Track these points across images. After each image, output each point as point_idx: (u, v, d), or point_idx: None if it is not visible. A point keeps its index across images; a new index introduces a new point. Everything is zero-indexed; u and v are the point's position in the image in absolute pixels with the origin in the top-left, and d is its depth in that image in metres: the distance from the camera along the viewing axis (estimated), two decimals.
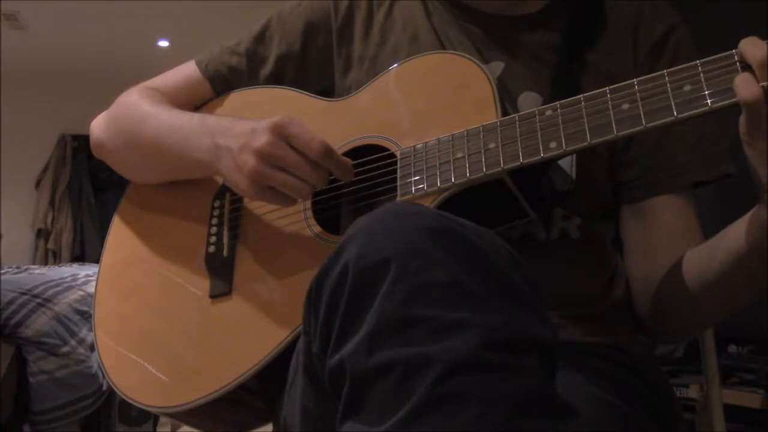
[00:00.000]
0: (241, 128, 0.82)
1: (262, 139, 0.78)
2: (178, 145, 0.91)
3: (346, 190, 0.86)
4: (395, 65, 0.89)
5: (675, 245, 0.84)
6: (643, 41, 0.89)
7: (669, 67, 0.68)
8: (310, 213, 0.87)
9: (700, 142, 0.87)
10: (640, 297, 0.88)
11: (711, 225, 0.86)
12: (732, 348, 2.08)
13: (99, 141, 1.04)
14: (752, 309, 0.78)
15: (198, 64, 1.03)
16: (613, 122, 0.69)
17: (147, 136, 0.95)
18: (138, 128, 0.96)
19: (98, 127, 1.05)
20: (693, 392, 1.83)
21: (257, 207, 0.91)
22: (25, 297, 2.47)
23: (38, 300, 2.48)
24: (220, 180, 0.95)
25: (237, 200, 0.93)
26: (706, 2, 2.11)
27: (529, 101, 0.86)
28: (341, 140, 0.88)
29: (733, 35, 0.66)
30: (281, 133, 0.78)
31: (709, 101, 0.64)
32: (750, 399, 1.83)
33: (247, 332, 0.84)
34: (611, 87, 0.70)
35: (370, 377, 0.50)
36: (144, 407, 0.88)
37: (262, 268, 0.87)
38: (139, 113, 0.97)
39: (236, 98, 1.01)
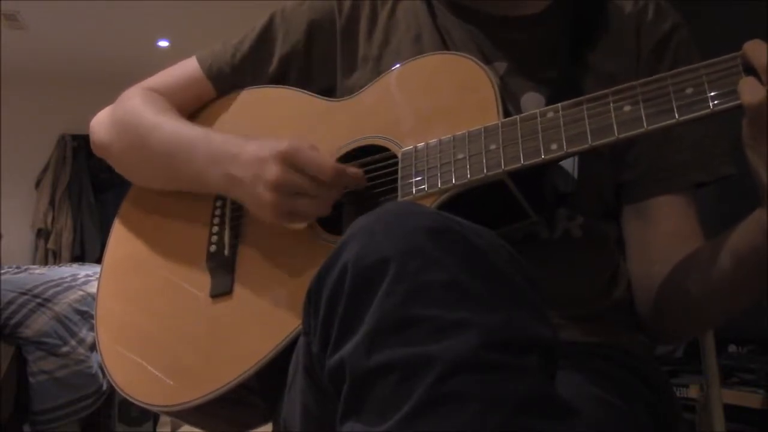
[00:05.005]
0: (249, 155, 0.83)
1: (272, 171, 0.80)
2: (187, 166, 0.90)
3: (347, 190, 0.86)
4: (398, 66, 0.89)
5: (675, 245, 0.84)
6: (645, 41, 0.89)
7: (671, 67, 0.67)
8: None
9: (700, 143, 0.87)
10: (641, 297, 0.88)
11: (711, 225, 0.86)
12: (732, 348, 2.08)
13: (102, 142, 1.03)
14: (752, 309, 0.78)
15: (200, 62, 1.02)
16: (614, 124, 0.69)
17: (154, 149, 0.94)
18: (144, 139, 0.95)
19: (101, 127, 1.03)
20: (693, 392, 1.83)
21: None
22: (25, 297, 2.47)
23: (38, 300, 2.48)
24: None
25: None
26: (707, 2, 2.12)
27: (531, 102, 0.86)
28: (343, 141, 0.88)
29: (733, 36, 0.66)
30: (290, 163, 0.80)
31: (711, 104, 0.64)
32: (750, 399, 1.83)
33: (248, 331, 0.84)
34: (613, 89, 0.70)
35: (370, 377, 0.50)
36: (145, 406, 0.88)
37: (263, 268, 0.87)
38: (144, 123, 0.96)
39: (240, 99, 1.01)
